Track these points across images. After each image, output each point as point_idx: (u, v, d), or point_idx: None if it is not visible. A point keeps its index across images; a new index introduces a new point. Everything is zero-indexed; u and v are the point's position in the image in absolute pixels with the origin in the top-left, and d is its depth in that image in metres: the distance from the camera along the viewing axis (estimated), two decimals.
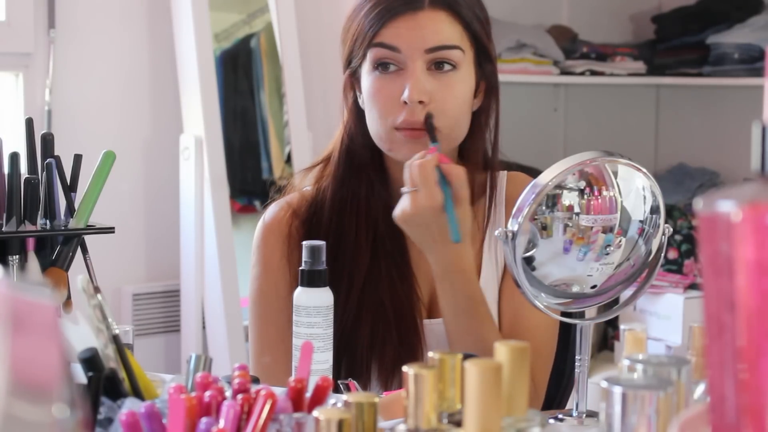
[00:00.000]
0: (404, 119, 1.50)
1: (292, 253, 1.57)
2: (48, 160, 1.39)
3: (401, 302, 1.54)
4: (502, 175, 1.64)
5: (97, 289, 1.06)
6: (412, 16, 1.51)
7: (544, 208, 1.27)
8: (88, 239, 1.42)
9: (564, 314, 1.35)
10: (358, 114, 1.59)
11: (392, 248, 1.56)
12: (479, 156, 1.59)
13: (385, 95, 1.51)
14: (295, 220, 1.59)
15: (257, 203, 3.36)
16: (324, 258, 1.28)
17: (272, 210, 1.62)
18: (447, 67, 1.51)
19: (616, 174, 1.27)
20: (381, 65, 1.52)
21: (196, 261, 3.13)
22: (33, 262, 1.38)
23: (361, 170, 1.58)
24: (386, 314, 1.52)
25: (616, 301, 1.39)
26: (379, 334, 1.52)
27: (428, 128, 1.48)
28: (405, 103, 1.49)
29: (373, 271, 1.54)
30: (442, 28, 1.51)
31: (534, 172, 1.44)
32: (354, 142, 1.58)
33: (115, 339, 1.06)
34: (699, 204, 0.65)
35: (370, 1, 1.53)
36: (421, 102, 1.49)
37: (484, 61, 1.56)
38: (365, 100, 1.55)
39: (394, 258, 1.56)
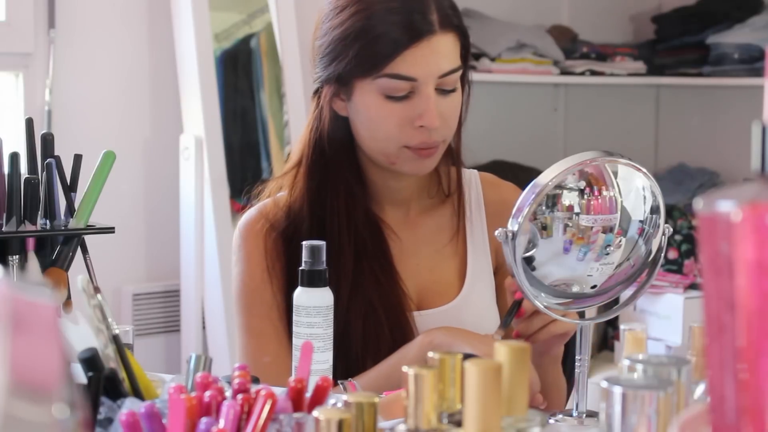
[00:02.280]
0: (421, 141, 1.49)
1: (273, 266, 1.56)
2: (48, 160, 1.39)
3: (389, 299, 1.55)
4: (473, 174, 1.66)
5: (97, 289, 1.06)
6: (427, 43, 1.47)
7: (544, 208, 1.27)
8: (88, 239, 1.42)
9: (563, 315, 1.35)
10: (337, 118, 1.55)
11: (373, 248, 1.56)
12: (453, 151, 1.61)
13: (397, 118, 1.49)
14: (272, 232, 1.57)
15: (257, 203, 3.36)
16: (324, 258, 1.28)
17: (247, 220, 1.60)
18: (449, 88, 1.51)
19: (616, 174, 1.27)
20: (392, 95, 1.48)
21: (196, 261, 3.13)
22: (33, 262, 1.38)
23: (337, 174, 1.56)
24: (376, 313, 1.53)
25: (616, 301, 1.39)
26: (372, 332, 1.53)
27: (510, 313, 1.39)
28: (420, 126, 1.48)
29: (357, 273, 1.54)
30: (451, 51, 1.49)
31: (534, 172, 1.44)
32: (331, 146, 1.56)
33: (115, 339, 1.06)
34: (699, 204, 0.65)
35: (374, 22, 1.47)
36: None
37: (465, 61, 1.55)
38: (365, 117, 1.51)
39: (377, 257, 1.56)
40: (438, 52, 1.48)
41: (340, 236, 1.54)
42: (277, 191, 1.61)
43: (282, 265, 1.55)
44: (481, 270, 1.60)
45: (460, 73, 1.51)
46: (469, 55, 1.55)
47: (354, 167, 1.57)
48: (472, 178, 1.65)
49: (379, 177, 1.58)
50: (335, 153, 1.56)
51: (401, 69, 1.47)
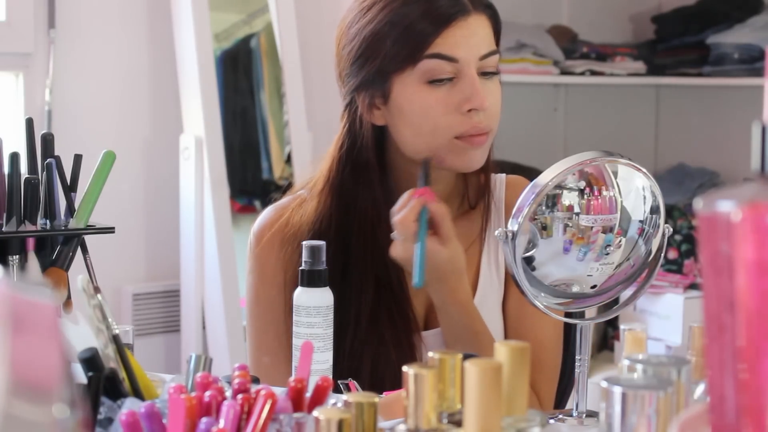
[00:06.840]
0: (471, 126, 1.45)
1: (291, 279, 1.50)
2: (48, 160, 1.39)
3: (399, 335, 1.50)
4: (500, 179, 1.61)
5: (97, 289, 1.06)
6: (464, 23, 1.45)
7: (544, 208, 1.27)
8: (88, 239, 1.42)
9: (564, 314, 1.35)
10: (371, 129, 1.51)
11: (393, 277, 1.50)
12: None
13: (444, 106, 1.45)
14: (292, 244, 1.52)
15: (257, 203, 3.36)
16: (324, 258, 1.28)
17: (265, 224, 1.56)
18: (491, 70, 1.48)
19: (616, 174, 1.27)
20: (436, 78, 1.45)
21: (196, 261, 3.13)
22: (33, 262, 1.38)
23: (366, 191, 1.51)
24: (387, 352, 1.48)
25: (616, 301, 1.39)
26: (379, 370, 1.48)
27: (425, 171, 1.43)
28: (469, 111, 1.44)
29: (376, 306, 1.50)
30: (486, 33, 1.48)
31: (534, 172, 1.44)
32: (366, 160, 1.51)
33: (115, 339, 1.06)
34: (699, 204, 0.65)
35: (406, 10, 1.45)
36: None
37: (498, 46, 1.53)
38: (408, 112, 1.46)
39: (393, 289, 1.51)
40: (476, 33, 1.46)
41: (364, 264, 1.50)
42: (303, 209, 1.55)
43: (293, 286, 1.49)
44: (491, 284, 1.55)
45: (498, 57, 1.49)
46: (500, 41, 1.52)
47: (384, 182, 1.52)
48: (497, 185, 1.60)
49: (409, 187, 1.48)
50: (369, 167, 1.51)
51: (442, 48, 1.44)
